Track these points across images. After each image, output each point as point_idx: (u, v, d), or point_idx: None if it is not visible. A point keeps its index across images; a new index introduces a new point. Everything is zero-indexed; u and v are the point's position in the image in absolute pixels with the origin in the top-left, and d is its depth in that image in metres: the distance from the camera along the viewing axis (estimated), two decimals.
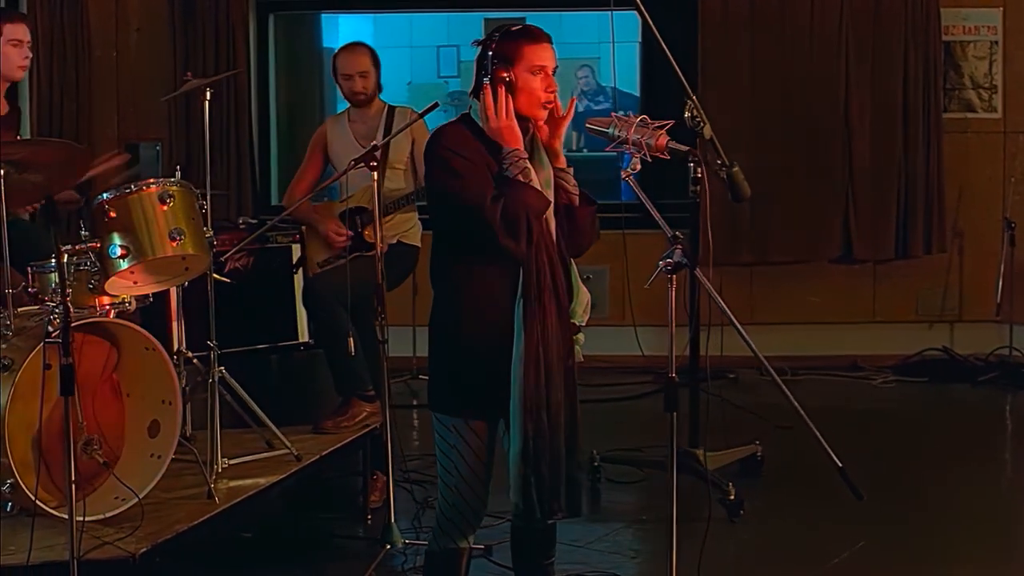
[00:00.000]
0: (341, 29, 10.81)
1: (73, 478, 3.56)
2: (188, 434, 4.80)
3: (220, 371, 4.63)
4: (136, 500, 3.98)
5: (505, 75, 3.38)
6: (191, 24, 7.60)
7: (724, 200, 7.63)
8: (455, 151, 3.35)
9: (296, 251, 5.72)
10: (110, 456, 4.22)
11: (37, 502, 3.85)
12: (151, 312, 5.20)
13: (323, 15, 8.51)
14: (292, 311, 5.70)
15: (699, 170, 5.40)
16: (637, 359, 7.35)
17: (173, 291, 5.04)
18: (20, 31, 4.77)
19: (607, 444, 5.85)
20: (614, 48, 5.19)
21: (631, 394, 7.23)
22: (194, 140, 7.59)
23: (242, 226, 5.62)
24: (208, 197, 4.49)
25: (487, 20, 8.27)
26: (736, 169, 5.53)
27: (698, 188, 5.43)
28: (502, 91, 3.38)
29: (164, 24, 7.67)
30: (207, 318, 5.35)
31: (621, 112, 3.60)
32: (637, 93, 8.35)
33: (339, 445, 4.96)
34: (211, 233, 4.50)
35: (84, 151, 4.13)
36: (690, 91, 5.31)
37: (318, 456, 4.82)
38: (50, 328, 3.83)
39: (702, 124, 5.32)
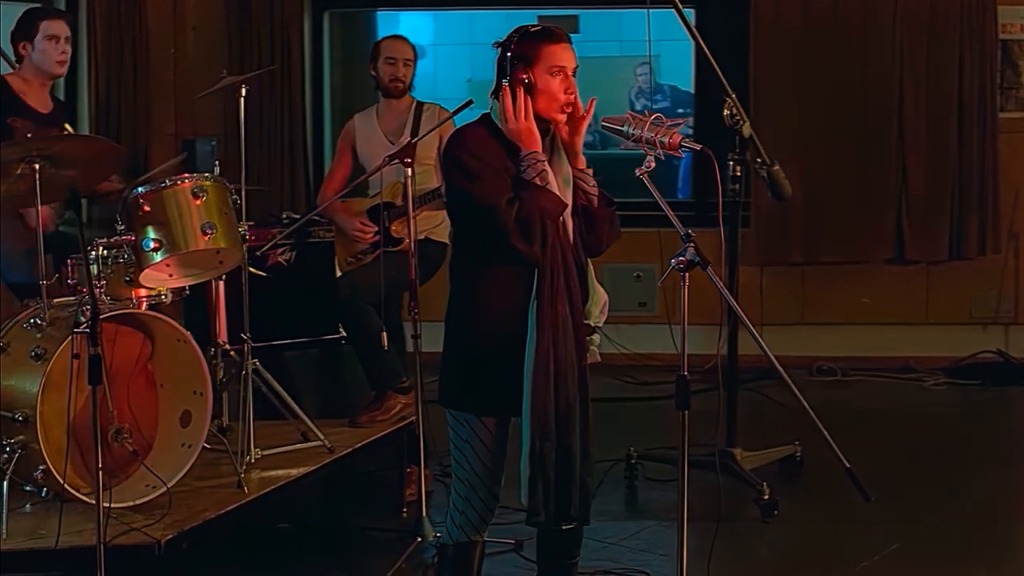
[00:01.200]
0: (400, 26, 10.91)
1: (100, 465, 3.64)
2: (225, 424, 4.88)
3: (254, 363, 4.69)
4: (164, 488, 4.05)
5: (524, 76, 3.40)
6: (246, 23, 7.70)
7: (775, 201, 7.64)
8: (472, 153, 3.37)
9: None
10: (143, 445, 4.31)
11: (67, 487, 3.94)
12: (194, 305, 5.31)
13: (379, 13, 8.55)
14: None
15: (738, 168, 5.42)
16: (695, 358, 7.38)
17: (217, 284, 5.14)
18: (57, 27, 4.86)
19: (650, 442, 5.82)
20: (650, 47, 5.16)
21: (668, 394, 7.19)
22: (250, 136, 7.69)
23: (285, 221, 5.69)
24: (243, 193, 4.56)
25: (540, 17, 8.27)
26: (776, 168, 5.49)
27: (737, 187, 5.43)
28: (521, 92, 3.40)
29: (220, 23, 7.78)
30: (250, 312, 5.46)
31: (644, 108, 3.60)
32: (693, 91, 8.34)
33: (373, 438, 5.02)
34: (246, 227, 4.58)
35: (117, 148, 4.21)
36: (729, 89, 5.28)
37: (351, 449, 4.88)
38: (81, 318, 3.93)
39: (741, 122, 5.29)
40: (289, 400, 4.83)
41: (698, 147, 3.36)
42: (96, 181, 4.29)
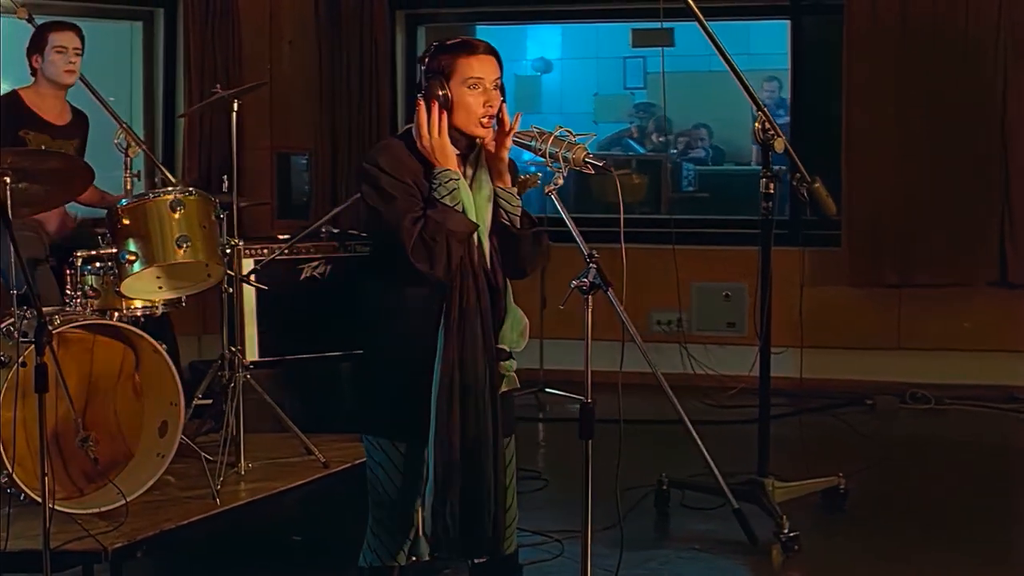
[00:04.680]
0: (528, 39, 10.92)
1: (47, 471, 3.71)
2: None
3: (245, 376, 4.73)
4: (125, 500, 4.10)
5: (439, 90, 3.32)
6: (337, 37, 7.81)
7: (869, 218, 7.32)
8: (383, 168, 3.30)
9: None
10: (125, 453, 4.39)
11: (27, 491, 4.04)
12: (223, 317, 5.39)
13: (478, 26, 8.54)
14: None
15: (771, 185, 5.20)
16: (785, 381, 7.14)
17: (249, 295, 5.23)
18: (66, 38, 5.02)
19: (696, 468, 5.60)
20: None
21: (750, 417, 6.96)
22: (340, 150, 7.82)
23: (323, 235, 5.72)
24: (234, 207, 4.60)
25: (633, 31, 8.13)
26: (818, 185, 5.23)
27: (769, 204, 5.20)
28: (435, 107, 3.32)
29: (314, 37, 7.90)
30: (281, 324, 5.53)
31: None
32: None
33: None
34: (236, 242, 4.62)
35: (85, 167, 4.30)
36: (760, 104, 5.09)
37: (350, 464, 4.86)
38: (50, 328, 4.03)
39: (774, 137, 5.07)
40: (281, 414, 4.85)
41: (601, 163, 3.23)
42: (66, 198, 4.39)
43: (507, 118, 3.37)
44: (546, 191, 3.29)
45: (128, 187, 4.80)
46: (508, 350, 3.44)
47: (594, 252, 3.23)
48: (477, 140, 3.38)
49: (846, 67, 7.28)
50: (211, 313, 5.25)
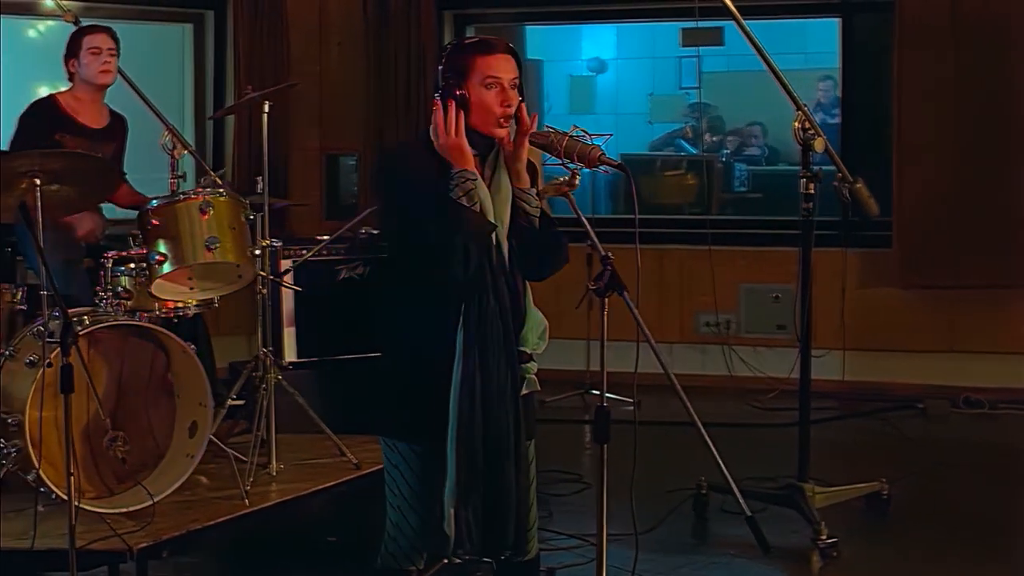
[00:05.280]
0: (583, 39, 10.87)
1: (72, 470, 3.73)
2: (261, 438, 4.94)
3: (277, 377, 4.74)
4: (151, 500, 4.13)
5: (457, 90, 3.29)
6: (386, 38, 7.81)
7: (920, 219, 7.18)
8: (402, 168, 3.29)
9: None
10: (155, 453, 4.41)
11: (56, 491, 4.08)
12: (266, 319, 5.41)
13: (527, 27, 8.51)
14: None
15: (811, 186, 5.12)
16: (830, 384, 7.05)
17: (288, 296, 5.24)
18: (99, 40, 5.05)
19: (755, 470, 5.61)
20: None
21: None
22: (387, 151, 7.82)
23: (363, 235, 5.72)
24: (266, 208, 4.62)
25: (683, 30, 8.05)
26: (860, 185, 5.17)
27: (811, 205, 5.12)
28: (452, 106, 3.28)
29: (362, 39, 7.91)
30: (320, 325, 5.54)
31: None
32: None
33: None
34: (268, 243, 4.64)
35: (112, 169, 4.33)
36: (800, 102, 5.01)
37: (383, 466, 4.83)
38: (79, 328, 4.07)
39: (814, 136, 4.99)
40: (313, 415, 4.85)
41: (615, 164, 3.19)
42: (96, 200, 4.42)
43: (525, 118, 3.33)
44: (562, 191, 3.25)
45: (173, 189, 4.83)
46: (529, 352, 3.40)
47: (609, 254, 3.19)
48: (495, 140, 3.35)
49: (896, 65, 7.16)
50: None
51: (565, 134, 3.23)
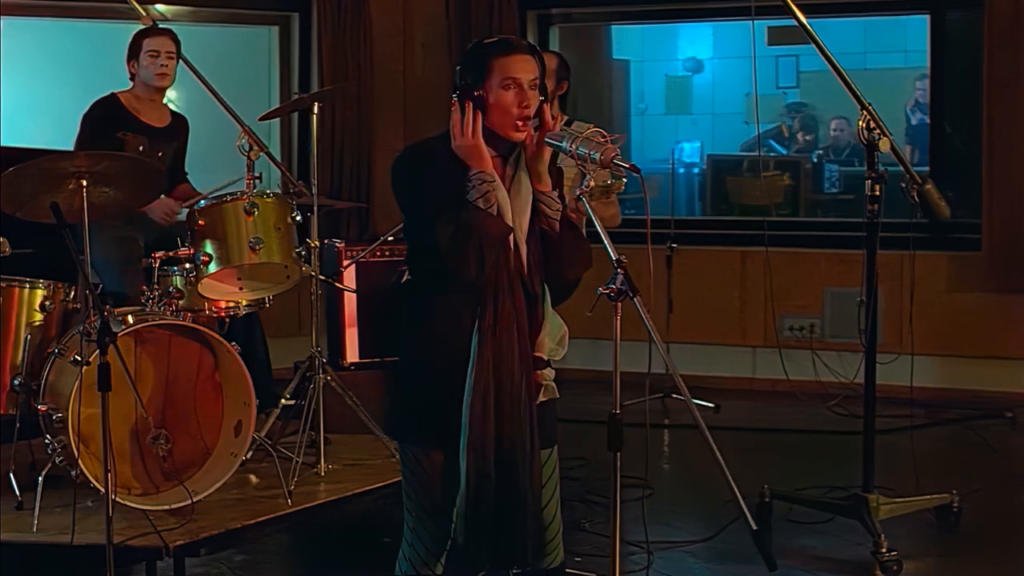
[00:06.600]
0: (679, 38, 10.74)
1: (108, 467, 3.78)
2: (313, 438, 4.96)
3: (326, 378, 4.75)
4: (190, 498, 4.17)
5: (475, 91, 3.25)
6: (467, 39, 7.79)
7: (1011, 221, 6.93)
8: (416, 169, 3.26)
9: None
10: (203, 451, 4.46)
11: (100, 487, 4.13)
12: (328, 320, 5.46)
13: (613, 27, 8.42)
14: None
15: (877, 188, 4.97)
16: (907, 390, 6.83)
17: (349, 299, 5.25)
18: (158, 43, 5.13)
19: (826, 479, 5.52)
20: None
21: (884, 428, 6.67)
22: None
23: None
24: (315, 208, 4.63)
25: (769, 28, 7.90)
26: (928, 187, 5.00)
27: (876, 207, 4.96)
28: (470, 107, 3.24)
29: (445, 39, 7.92)
30: (381, 326, 5.55)
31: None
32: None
33: None
34: (315, 244, 4.66)
35: (157, 171, 4.38)
36: (864, 101, 4.85)
37: None
38: (123, 327, 4.14)
39: (879, 136, 4.84)
40: (363, 415, 4.85)
41: (628, 165, 3.11)
42: (140, 202, 4.47)
43: (548, 118, 3.27)
44: (578, 193, 3.19)
45: (250, 189, 4.87)
46: (546, 359, 3.34)
47: (623, 257, 3.11)
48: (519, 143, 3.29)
49: (987, 63, 6.92)
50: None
51: (580, 135, 3.16)
